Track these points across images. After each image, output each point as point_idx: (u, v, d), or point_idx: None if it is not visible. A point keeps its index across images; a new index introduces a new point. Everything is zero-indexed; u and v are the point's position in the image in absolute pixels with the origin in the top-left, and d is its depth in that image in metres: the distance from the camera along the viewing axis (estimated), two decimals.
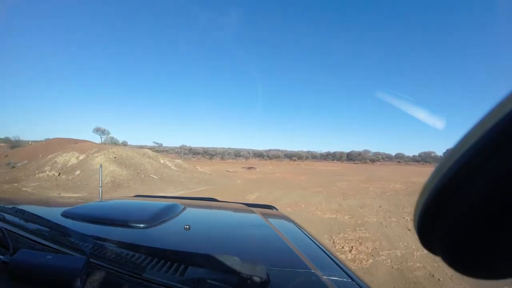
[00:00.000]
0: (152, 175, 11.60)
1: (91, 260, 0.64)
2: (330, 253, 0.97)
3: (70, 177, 10.13)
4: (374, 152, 52.48)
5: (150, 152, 14.94)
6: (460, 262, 0.26)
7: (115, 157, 12.15)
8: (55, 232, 0.78)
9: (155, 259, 0.70)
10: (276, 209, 1.87)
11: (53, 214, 1.09)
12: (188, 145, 55.41)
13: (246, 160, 48.46)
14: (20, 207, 0.95)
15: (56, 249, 0.72)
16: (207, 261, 0.67)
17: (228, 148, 56.62)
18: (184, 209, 1.32)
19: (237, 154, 53.13)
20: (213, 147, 55.83)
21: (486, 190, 0.21)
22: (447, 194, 0.23)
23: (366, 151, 52.85)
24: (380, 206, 7.26)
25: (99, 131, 37.82)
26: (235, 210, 1.70)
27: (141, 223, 1.01)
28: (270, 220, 1.34)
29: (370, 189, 10.67)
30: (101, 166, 2.45)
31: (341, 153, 58.87)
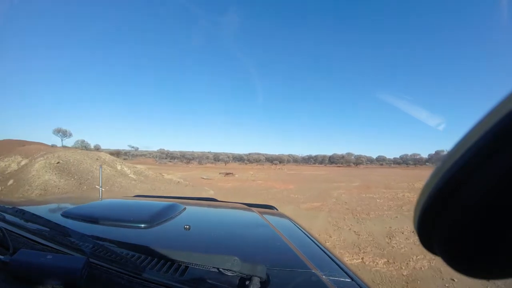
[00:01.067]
0: (98, 186, 9.05)
1: (91, 260, 0.65)
2: (330, 253, 0.99)
3: (0, 188, 8.57)
4: (356, 155, 51.79)
5: (107, 156, 13.34)
6: (460, 262, 0.26)
7: (58, 163, 10.33)
8: (55, 232, 0.79)
9: (155, 259, 0.72)
10: (276, 209, 1.89)
11: (53, 214, 1.12)
12: (166, 149, 54.79)
13: (226, 164, 46.63)
14: (20, 207, 0.94)
15: (56, 249, 0.73)
16: (207, 261, 0.67)
17: (207, 152, 54.78)
18: (184, 209, 1.34)
19: (216, 158, 51.20)
20: (192, 151, 54.58)
21: (486, 190, 0.21)
22: (447, 194, 0.23)
23: (349, 154, 52.23)
24: (413, 232, 4.73)
25: (60, 132, 33.08)
26: (235, 210, 1.71)
27: (141, 223, 1.02)
28: (270, 220, 1.37)
29: (380, 202, 8.42)
30: (101, 166, 2.49)
31: (323, 156, 58.15)
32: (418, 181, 15.59)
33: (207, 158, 49.90)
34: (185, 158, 48.47)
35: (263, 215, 1.42)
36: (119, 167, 12.38)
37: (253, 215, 1.47)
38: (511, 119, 0.19)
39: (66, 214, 1.06)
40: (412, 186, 13.12)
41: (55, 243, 0.75)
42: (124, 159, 48.80)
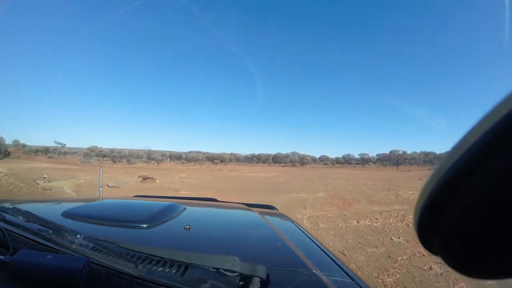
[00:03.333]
0: None
1: (91, 260, 0.66)
2: (330, 253, 1.00)
3: None
4: (301, 155, 50.40)
5: None
6: (460, 262, 0.27)
7: None
8: (55, 232, 0.78)
9: (155, 259, 0.73)
10: (276, 209, 1.93)
11: (53, 214, 1.09)
12: (99, 146, 49.45)
13: (158, 164, 39.96)
14: (20, 207, 0.91)
15: (56, 249, 0.73)
16: (207, 261, 0.68)
17: (143, 149, 48.09)
18: (184, 209, 1.34)
19: (149, 156, 43.87)
20: (122, 148, 49.53)
21: (486, 190, 0.22)
22: (447, 194, 0.24)
23: (294, 153, 50.85)
24: None
25: None
26: (235, 210, 1.74)
27: (141, 223, 1.03)
28: (270, 220, 1.40)
29: (399, 242, 4.36)
30: (101, 168, 2.32)
31: (267, 156, 55.65)
32: (396, 187, 12.54)
33: (138, 156, 45.05)
34: (114, 157, 42.83)
35: (263, 215, 1.46)
36: None
37: (253, 215, 1.51)
38: (511, 119, 0.20)
39: (66, 214, 1.05)
40: (405, 198, 9.52)
41: (55, 243, 0.75)
42: (49, 157, 42.95)
